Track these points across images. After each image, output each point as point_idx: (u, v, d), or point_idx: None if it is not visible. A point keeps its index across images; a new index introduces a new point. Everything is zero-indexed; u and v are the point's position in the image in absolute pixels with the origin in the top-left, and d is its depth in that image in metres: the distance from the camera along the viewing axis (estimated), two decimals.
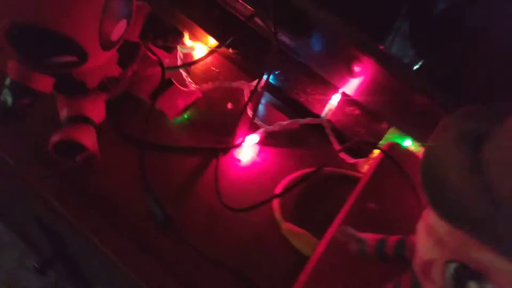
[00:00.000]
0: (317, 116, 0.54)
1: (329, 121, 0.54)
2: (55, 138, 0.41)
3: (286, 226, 0.44)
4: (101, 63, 0.40)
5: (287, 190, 0.45)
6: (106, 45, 0.37)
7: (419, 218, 0.44)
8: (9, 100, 0.39)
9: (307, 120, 0.53)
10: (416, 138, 0.53)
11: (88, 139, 0.43)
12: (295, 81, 0.57)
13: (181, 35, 0.46)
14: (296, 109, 0.55)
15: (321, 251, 0.41)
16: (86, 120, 0.44)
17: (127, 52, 0.44)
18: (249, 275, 0.41)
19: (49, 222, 0.62)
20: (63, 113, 0.44)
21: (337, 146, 0.53)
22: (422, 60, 0.53)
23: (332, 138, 0.53)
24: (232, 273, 0.41)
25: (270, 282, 0.41)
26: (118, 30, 0.38)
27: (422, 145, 0.53)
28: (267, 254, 0.43)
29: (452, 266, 0.23)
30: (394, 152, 0.49)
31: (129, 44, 0.44)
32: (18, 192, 0.61)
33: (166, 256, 0.41)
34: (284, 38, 0.55)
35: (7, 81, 0.40)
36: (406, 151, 0.51)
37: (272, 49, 0.53)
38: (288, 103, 0.56)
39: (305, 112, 0.55)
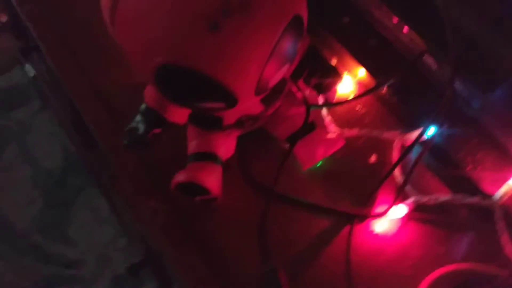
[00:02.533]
0: (488, 196, 0.42)
1: (503, 206, 0.41)
2: (179, 178, 0.37)
3: None
4: (248, 106, 0.34)
5: None
6: (261, 91, 0.31)
7: None
8: (141, 127, 0.36)
9: (474, 199, 0.41)
10: None
11: (213, 182, 0.38)
12: (464, 143, 0.45)
13: (339, 77, 0.38)
14: (460, 180, 0.44)
15: None
16: (214, 158, 0.39)
17: (274, 89, 0.38)
18: None
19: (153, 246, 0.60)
20: (192, 146, 0.39)
21: (506, 240, 0.41)
22: None
23: (503, 230, 0.41)
24: None
25: None
26: (278, 76, 0.31)
27: None
28: None
29: None
30: None
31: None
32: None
33: None
34: (460, 86, 0.44)
35: (142, 107, 0.36)
36: None
37: (444, 98, 0.42)
38: (450, 170, 0.44)
39: (471, 186, 0.43)
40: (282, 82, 0.39)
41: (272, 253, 0.38)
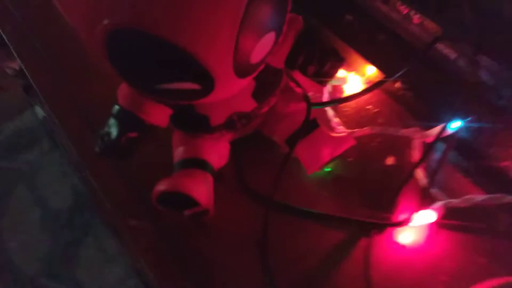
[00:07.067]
0: None
1: None
2: (161, 187, 0.32)
3: None
4: (232, 94, 0.29)
5: None
6: (242, 69, 0.26)
7: None
8: (114, 132, 0.31)
9: None
10: None
11: (202, 191, 0.32)
12: (495, 135, 0.39)
13: (341, 61, 0.32)
14: (495, 177, 0.37)
15: None
16: (203, 166, 0.34)
17: (267, 81, 0.33)
18: None
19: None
20: (178, 154, 0.35)
21: None
22: None
23: None
24: None
25: None
26: (261, 49, 0.26)
27: None
28: None
29: None
30: None
31: (270, 70, 0.32)
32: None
33: None
34: (485, 73, 0.38)
35: (115, 108, 0.32)
36: None
37: (465, 86, 0.37)
38: (482, 167, 0.38)
39: (509, 183, 0.36)
40: (277, 74, 0.35)
41: (276, 272, 0.32)
